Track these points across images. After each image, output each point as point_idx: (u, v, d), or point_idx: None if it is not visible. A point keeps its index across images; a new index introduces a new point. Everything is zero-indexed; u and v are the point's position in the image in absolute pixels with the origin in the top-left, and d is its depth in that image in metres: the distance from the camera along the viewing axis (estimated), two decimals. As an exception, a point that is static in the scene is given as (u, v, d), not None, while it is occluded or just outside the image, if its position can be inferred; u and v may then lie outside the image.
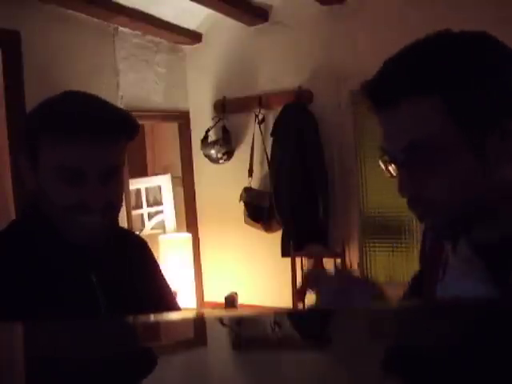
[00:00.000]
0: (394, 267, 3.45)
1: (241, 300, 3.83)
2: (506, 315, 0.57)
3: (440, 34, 0.79)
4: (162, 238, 3.88)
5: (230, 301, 3.75)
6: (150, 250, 1.30)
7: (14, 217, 2.71)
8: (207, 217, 4.10)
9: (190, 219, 4.16)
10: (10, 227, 1.11)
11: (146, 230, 4.23)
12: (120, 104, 3.36)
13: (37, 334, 0.66)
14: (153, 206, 4.39)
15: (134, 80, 3.62)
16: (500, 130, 0.75)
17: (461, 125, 0.75)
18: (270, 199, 3.63)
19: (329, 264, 3.30)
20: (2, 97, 2.87)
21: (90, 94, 1.09)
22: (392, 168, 0.84)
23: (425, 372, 0.48)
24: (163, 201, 4.41)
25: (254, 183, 3.80)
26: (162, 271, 1.31)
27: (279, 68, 3.72)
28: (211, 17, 3.78)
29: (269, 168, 3.70)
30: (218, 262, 4.06)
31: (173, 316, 0.89)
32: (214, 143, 3.82)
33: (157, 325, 0.71)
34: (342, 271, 1.04)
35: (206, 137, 3.87)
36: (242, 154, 3.84)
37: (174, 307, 1.26)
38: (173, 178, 4.38)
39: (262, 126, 3.73)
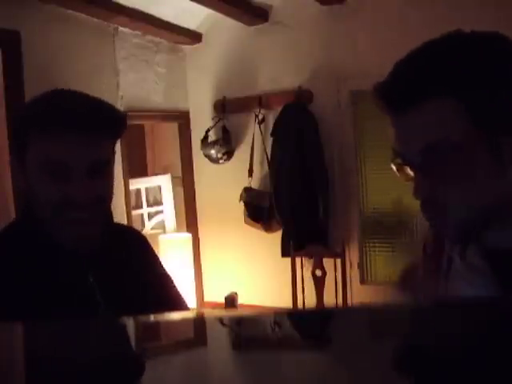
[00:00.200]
0: (394, 267, 3.45)
1: (241, 300, 3.83)
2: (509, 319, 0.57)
3: (453, 35, 0.78)
4: (162, 237, 3.88)
5: (230, 301, 3.75)
6: (149, 244, 1.28)
7: (13, 217, 2.71)
8: (207, 217, 4.10)
9: (190, 219, 4.16)
10: (6, 229, 1.11)
11: (146, 230, 4.23)
12: (120, 104, 3.37)
13: (36, 335, 0.66)
14: (153, 205, 4.39)
15: (134, 80, 3.62)
16: None
17: (477, 126, 0.74)
18: (270, 199, 3.63)
19: (329, 264, 3.31)
20: (2, 97, 2.87)
21: (77, 91, 1.09)
22: (405, 171, 0.82)
23: (425, 372, 0.48)
24: (163, 201, 4.41)
25: (254, 183, 3.80)
26: (163, 264, 1.30)
27: (279, 68, 3.72)
28: (211, 17, 3.78)
29: (269, 168, 3.70)
30: (217, 261, 4.06)
31: (173, 316, 0.89)
32: (214, 143, 3.82)
33: (157, 325, 0.71)
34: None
35: (206, 137, 3.87)
36: (242, 153, 3.84)
37: (177, 298, 1.25)
38: (173, 178, 4.38)
39: (262, 125, 3.73)
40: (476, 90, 0.74)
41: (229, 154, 3.84)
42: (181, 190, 4.23)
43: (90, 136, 1.02)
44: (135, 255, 1.20)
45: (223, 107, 3.87)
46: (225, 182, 3.94)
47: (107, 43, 3.45)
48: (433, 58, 0.77)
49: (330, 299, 3.29)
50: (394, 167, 0.84)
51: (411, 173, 0.82)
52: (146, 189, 4.37)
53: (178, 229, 4.26)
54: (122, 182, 3.45)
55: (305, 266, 3.46)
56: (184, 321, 0.73)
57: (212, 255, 4.09)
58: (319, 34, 3.56)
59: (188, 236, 3.93)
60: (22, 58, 2.83)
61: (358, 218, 3.55)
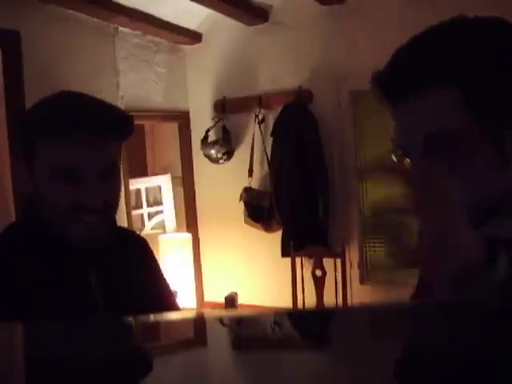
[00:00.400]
0: (394, 267, 3.45)
1: (241, 300, 3.83)
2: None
3: (455, 21, 0.76)
4: (161, 237, 3.88)
5: (230, 301, 3.75)
6: (150, 248, 1.29)
7: (13, 217, 2.71)
8: (207, 217, 4.10)
9: (190, 219, 4.16)
10: (8, 230, 1.11)
11: (146, 230, 4.23)
12: (120, 104, 3.37)
13: (36, 334, 0.66)
14: (153, 205, 4.39)
15: (134, 80, 3.62)
16: None
17: (479, 117, 0.72)
18: (270, 199, 3.63)
19: (329, 264, 3.31)
20: (2, 97, 2.87)
21: (84, 93, 1.09)
22: (406, 162, 0.80)
23: (425, 372, 0.48)
24: (163, 201, 4.41)
25: (254, 183, 3.80)
26: (163, 270, 1.31)
27: (279, 68, 3.72)
28: (211, 17, 3.77)
29: (269, 168, 3.70)
30: (217, 261, 4.06)
31: (173, 316, 0.89)
32: (214, 143, 3.82)
33: (157, 325, 0.71)
34: None
35: (206, 137, 3.87)
36: (242, 153, 3.84)
37: (173, 307, 1.26)
38: (173, 178, 4.38)
39: (262, 125, 3.73)
40: (479, 80, 0.72)
41: (229, 154, 3.84)
42: (181, 190, 4.23)
43: (100, 139, 1.02)
44: (136, 259, 1.21)
45: (223, 107, 3.87)
46: (225, 182, 3.94)
47: (107, 43, 3.45)
48: (434, 46, 0.74)
49: (329, 299, 3.29)
50: (394, 159, 0.82)
51: (408, 167, 0.80)
52: (146, 189, 4.37)
53: (178, 229, 4.26)
54: (122, 182, 3.45)
55: (305, 266, 3.46)
56: (184, 321, 0.73)
57: (212, 255, 4.09)
58: (319, 34, 3.56)
59: (188, 236, 3.93)
60: (22, 58, 2.83)
61: (357, 218, 3.55)
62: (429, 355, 0.51)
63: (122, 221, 3.12)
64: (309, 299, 3.35)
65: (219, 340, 0.64)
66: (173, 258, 3.67)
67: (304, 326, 0.66)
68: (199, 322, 0.72)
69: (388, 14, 3.31)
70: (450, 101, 0.73)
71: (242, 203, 3.73)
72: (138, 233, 1.67)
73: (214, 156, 3.83)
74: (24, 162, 1.04)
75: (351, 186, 3.54)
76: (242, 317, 0.77)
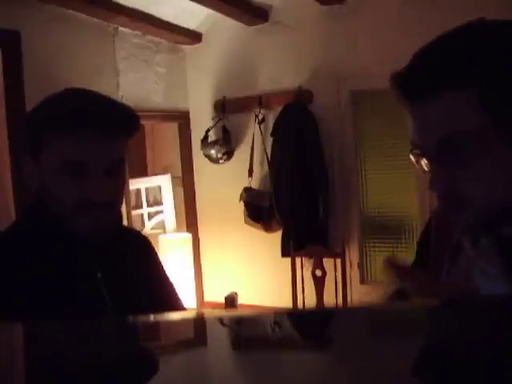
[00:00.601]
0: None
1: (241, 300, 3.83)
2: None
3: (473, 25, 0.77)
4: (162, 237, 3.88)
5: (230, 301, 3.75)
6: (152, 247, 1.30)
7: (14, 217, 2.71)
8: (207, 217, 4.10)
9: (190, 219, 4.16)
10: (14, 226, 1.12)
11: (146, 230, 4.23)
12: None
13: (38, 334, 0.66)
14: (153, 205, 4.40)
15: (134, 80, 3.62)
16: None
17: (496, 119, 0.73)
18: (270, 199, 3.64)
19: (329, 264, 3.31)
20: (2, 97, 2.87)
21: (91, 90, 1.10)
22: (424, 162, 0.81)
23: (425, 372, 0.48)
24: (163, 201, 4.41)
25: (254, 183, 3.80)
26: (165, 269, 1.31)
27: (279, 68, 3.72)
28: (211, 17, 3.78)
29: (269, 168, 3.70)
30: (217, 261, 4.06)
31: (173, 316, 0.89)
32: (214, 143, 3.82)
33: (157, 325, 0.71)
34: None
35: (206, 137, 3.88)
36: (242, 153, 3.84)
37: (177, 304, 1.26)
38: (173, 178, 4.38)
39: (262, 125, 3.74)
40: (496, 83, 0.73)
41: (229, 154, 3.84)
42: (181, 190, 4.23)
43: (107, 135, 1.03)
44: (139, 258, 1.22)
45: (223, 107, 3.87)
46: (225, 182, 3.94)
47: (107, 43, 3.45)
48: (452, 49, 0.75)
49: (330, 299, 3.29)
50: (412, 158, 0.82)
51: (425, 167, 0.80)
52: (146, 189, 4.37)
53: (178, 229, 4.26)
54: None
55: (305, 266, 3.46)
56: (184, 321, 0.73)
57: (212, 255, 4.09)
58: (319, 34, 3.56)
59: (188, 236, 3.93)
60: (22, 58, 2.83)
61: (358, 218, 3.55)
62: (429, 355, 0.51)
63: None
64: (309, 299, 3.35)
65: (219, 340, 0.64)
66: (173, 257, 3.68)
67: (304, 326, 0.66)
68: (199, 322, 0.71)
69: (388, 13, 3.31)
70: (467, 103, 0.74)
71: (241, 203, 3.74)
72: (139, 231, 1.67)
73: (214, 156, 3.83)
74: (31, 157, 1.06)
75: (351, 186, 3.54)
76: (241, 317, 0.77)
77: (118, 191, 1.09)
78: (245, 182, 3.78)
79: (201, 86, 4.04)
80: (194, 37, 3.94)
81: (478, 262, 0.83)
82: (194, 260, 3.93)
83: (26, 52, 2.85)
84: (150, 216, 4.37)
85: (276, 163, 3.62)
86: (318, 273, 3.33)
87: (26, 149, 1.07)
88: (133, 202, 4.05)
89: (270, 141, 3.68)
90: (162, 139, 4.64)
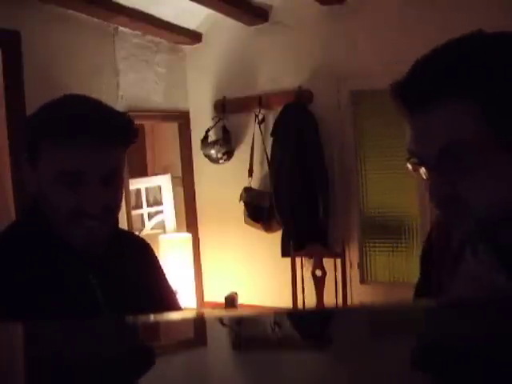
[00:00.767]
0: (394, 267, 3.45)
1: (241, 300, 3.83)
2: None
3: (475, 35, 0.77)
4: (162, 237, 3.88)
5: (230, 301, 3.75)
6: (152, 251, 1.30)
7: (14, 217, 2.71)
8: (207, 217, 4.10)
9: (190, 219, 4.16)
10: (9, 229, 1.11)
11: (146, 230, 4.23)
12: (120, 104, 3.37)
13: (37, 334, 0.66)
14: (153, 206, 4.39)
15: (134, 80, 3.62)
16: None
17: (497, 128, 0.74)
18: (270, 199, 3.63)
19: (329, 264, 3.31)
20: (2, 97, 2.87)
21: (90, 97, 1.10)
22: (422, 171, 0.81)
23: (425, 372, 0.48)
24: (163, 201, 4.41)
25: (254, 183, 3.80)
26: (165, 273, 1.31)
27: (279, 68, 3.72)
28: (211, 17, 3.78)
29: (269, 168, 3.70)
30: (217, 261, 4.06)
31: (173, 316, 0.89)
32: (214, 143, 3.82)
33: (157, 325, 0.71)
34: None
35: (206, 137, 3.87)
36: (242, 153, 3.84)
37: (175, 308, 1.26)
38: (173, 178, 4.38)
39: (262, 125, 3.73)
40: (496, 92, 0.73)
41: (229, 154, 3.84)
42: (181, 190, 4.23)
43: (104, 144, 1.03)
44: (137, 262, 1.21)
45: (223, 107, 3.87)
46: (225, 182, 3.94)
47: (107, 43, 3.45)
48: (452, 59, 0.76)
49: (330, 299, 3.29)
50: (409, 167, 0.83)
51: (423, 176, 0.80)
52: (146, 189, 4.37)
53: (178, 229, 4.26)
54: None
55: (305, 266, 3.46)
56: (184, 321, 0.73)
57: (212, 255, 4.09)
58: (319, 34, 3.56)
59: (188, 236, 3.93)
60: (22, 58, 2.83)
61: (357, 218, 3.55)
62: (428, 355, 0.51)
63: (121, 221, 3.11)
64: (309, 299, 3.35)
65: (219, 340, 0.64)
66: (173, 257, 3.68)
67: (304, 326, 0.66)
68: (199, 322, 0.71)
69: (388, 14, 3.31)
70: (470, 112, 0.74)
71: (241, 203, 3.74)
72: (138, 234, 1.67)
73: (214, 156, 3.83)
74: (29, 164, 1.06)
75: (351, 186, 3.54)
76: (241, 317, 0.77)
77: (115, 201, 1.08)
78: (245, 182, 3.78)
79: (201, 86, 4.04)
80: (194, 37, 3.94)
81: (478, 270, 0.83)
82: (194, 260, 3.93)
83: (26, 52, 2.84)
84: (150, 216, 4.37)
85: (276, 163, 3.62)
86: (318, 273, 3.33)
87: (23, 154, 1.07)
88: (133, 202, 4.04)
89: (270, 141, 3.68)
90: (162, 139, 4.64)
